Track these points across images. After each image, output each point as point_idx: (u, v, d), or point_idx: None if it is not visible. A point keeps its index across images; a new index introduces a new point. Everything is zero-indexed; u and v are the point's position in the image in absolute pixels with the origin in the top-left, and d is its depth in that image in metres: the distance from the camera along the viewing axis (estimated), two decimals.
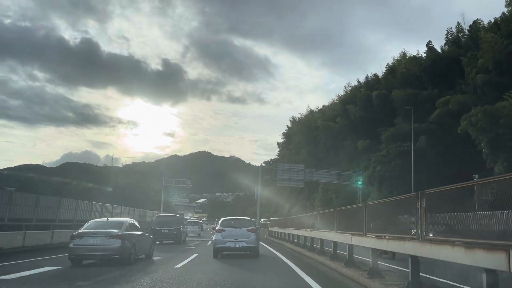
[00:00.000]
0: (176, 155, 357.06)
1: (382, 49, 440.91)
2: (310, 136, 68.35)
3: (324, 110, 71.67)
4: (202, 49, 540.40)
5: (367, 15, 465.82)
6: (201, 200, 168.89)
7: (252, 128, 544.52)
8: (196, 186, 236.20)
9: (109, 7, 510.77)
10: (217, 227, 17.89)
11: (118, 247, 12.92)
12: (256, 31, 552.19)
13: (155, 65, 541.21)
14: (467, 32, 49.89)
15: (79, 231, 13.67)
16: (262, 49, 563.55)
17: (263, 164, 47.58)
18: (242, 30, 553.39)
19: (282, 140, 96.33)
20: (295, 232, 23.53)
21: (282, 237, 30.53)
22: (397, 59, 59.04)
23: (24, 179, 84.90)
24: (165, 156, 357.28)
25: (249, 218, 20.36)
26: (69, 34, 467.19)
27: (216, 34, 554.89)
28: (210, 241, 24.29)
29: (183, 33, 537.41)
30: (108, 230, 13.41)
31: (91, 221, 15.27)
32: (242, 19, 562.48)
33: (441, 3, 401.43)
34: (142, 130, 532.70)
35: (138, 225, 15.74)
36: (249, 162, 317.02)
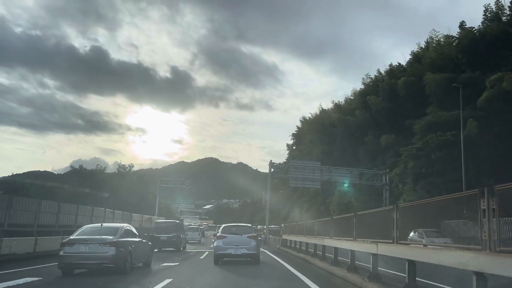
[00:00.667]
0: (183, 161, 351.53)
1: (391, 55, 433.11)
2: (324, 134, 60.82)
3: (339, 106, 64.06)
4: (211, 56, 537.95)
5: (375, 21, 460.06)
6: (207, 207, 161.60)
7: (260, 134, 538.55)
8: (203, 192, 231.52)
9: (118, 15, 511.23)
10: (218, 234, 18.00)
11: (112, 255, 12.03)
12: (264, 38, 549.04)
13: (163, 72, 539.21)
14: (508, 11, 42.57)
15: (71, 237, 12.78)
16: (270, 56, 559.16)
17: (273, 163, 39.00)
18: (250, 37, 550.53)
19: (291, 141, 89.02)
20: (337, 244, 14.80)
21: (303, 248, 22.92)
22: (422, 47, 51.74)
23: (29, 185, 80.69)
24: (173, 163, 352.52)
25: (250, 225, 20.39)
26: (79, 42, 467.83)
27: (224, 42, 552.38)
28: (206, 253, 22.99)
29: (191, 41, 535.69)
30: (101, 236, 12.49)
31: (84, 227, 14.13)
32: (250, 27, 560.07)
33: (448, 10, 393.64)
34: (151, 137, 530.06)
35: (135, 231, 14.81)
36: (257, 169, 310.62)
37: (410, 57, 53.49)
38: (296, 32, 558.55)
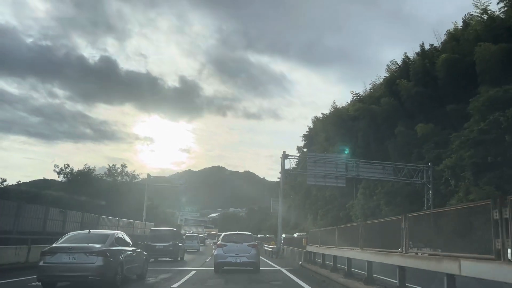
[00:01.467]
0: (190, 170, 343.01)
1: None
2: (343, 128, 52.18)
3: (360, 97, 55.43)
4: (219, 66, 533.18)
5: (384, 31, 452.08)
6: (213, 215, 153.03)
7: (267, 144, 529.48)
8: (209, 201, 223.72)
9: (128, 26, 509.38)
10: (218, 242, 17.97)
11: (99, 266, 10.40)
12: (272, 47, 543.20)
13: (172, 82, 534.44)
14: None
15: (53, 245, 11.12)
16: (278, 66, 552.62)
17: (287, 154, 30.53)
18: (258, 47, 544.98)
19: (303, 143, 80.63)
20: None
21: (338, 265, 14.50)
22: (457, 27, 43.41)
23: (34, 193, 75.60)
24: (179, 171, 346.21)
25: (250, 233, 20.17)
26: (89, 52, 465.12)
27: (232, 51, 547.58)
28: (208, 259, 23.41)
29: (200, 51, 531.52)
30: (88, 245, 10.84)
31: (69, 233, 12.42)
32: (259, 36, 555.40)
33: (458, 19, 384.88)
34: (159, 146, 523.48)
35: (128, 239, 13.10)
36: (264, 177, 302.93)
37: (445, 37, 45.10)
38: (304, 41, 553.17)
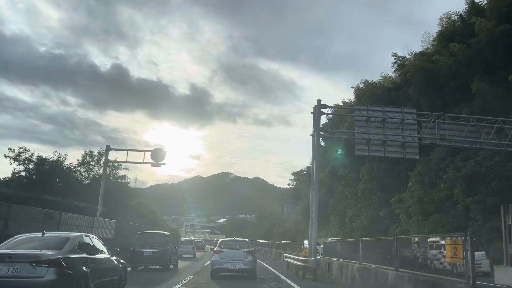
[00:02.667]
0: (199, 176, 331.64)
1: None
2: (382, 101, 38.91)
3: (403, 60, 41.77)
4: (229, 73, 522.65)
5: (395, 37, 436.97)
6: (221, 221, 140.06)
7: (277, 150, 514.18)
8: (217, 207, 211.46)
9: (139, 34, 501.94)
10: (215, 248, 17.67)
11: (50, 281, 7.39)
12: (282, 54, 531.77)
13: (182, 89, 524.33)
14: None
15: None
16: (288, 72, 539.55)
17: (324, 105, 16.85)
18: (269, 54, 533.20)
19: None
20: None
21: None
22: None
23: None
24: (188, 177, 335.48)
25: (247, 240, 20.22)
26: (101, 60, 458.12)
27: (243, 58, 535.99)
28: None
29: (210, 58, 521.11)
30: (36, 252, 7.77)
31: (17, 236, 9.12)
32: (269, 43, 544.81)
33: None
34: (169, 153, 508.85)
35: (101, 244, 10.27)
36: (273, 184, 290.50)
37: None
38: (315, 48, 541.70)
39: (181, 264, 25.26)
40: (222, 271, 16.42)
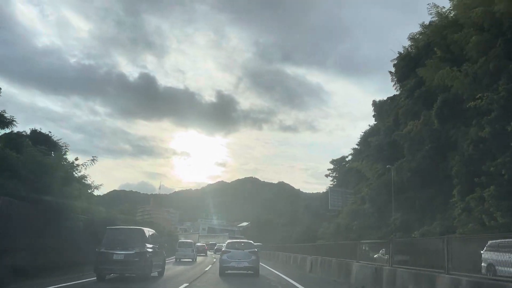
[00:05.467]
0: (222, 181, 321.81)
1: None
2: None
3: None
4: (255, 79, 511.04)
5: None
6: (243, 224, 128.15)
7: (303, 156, 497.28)
8: (241, 212, 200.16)
9: (166, 42, 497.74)
10: (223, 249, 19.41)
11: None
12: (309, 59, 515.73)
13: (208, 96, 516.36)
14: None
15: None
16: (314, 77, 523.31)
17: None
18: (295, 59, 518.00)
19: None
20: None
21: None
22: None
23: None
24: (212, 182, 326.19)
25: (251, 242, 20.97)
26: (129, 69, 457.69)
27: (269, 64, 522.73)
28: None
29: (236, 64, 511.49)
30: None
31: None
32: (295, 48, 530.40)
33: None
34: (195, 161, 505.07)
35: None
36: (299, 189, 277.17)
37: None
38: (342, 51, 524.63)
39: (174, 269, 21.68)
40: (229, 269, 17.91)
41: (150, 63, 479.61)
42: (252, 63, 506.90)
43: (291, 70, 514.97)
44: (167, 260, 21.38)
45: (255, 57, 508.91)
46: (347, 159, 74.14)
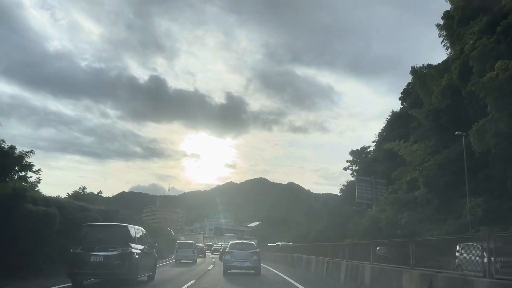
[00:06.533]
0: (231, 182, 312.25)
1: None
2: None
3: None
4: (265, 80, 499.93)
5: (437, 38, 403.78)
6: (253, 224, 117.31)
7: (313, 157, 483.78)
8: (250, 212, 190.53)
9: (176, 45, 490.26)
10: (226, 250, 20.50)
11: None
12: (319, 59, 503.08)
13: (218, 98, 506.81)
14: None
15: None
16: (325, 78, 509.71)
17: None
18: (305, 60, 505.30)
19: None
20: None
21: None
22: None
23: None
24: (221, 184, 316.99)
25: (253, 243, 22.55)
26: (139, 72, 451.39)
27: (279, 65, 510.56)
28: None
29: (246, 66, 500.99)
30: None
31: None
32: (306, 49, 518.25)
33: None
34: (205, 162, 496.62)
35: None
36: (309, 190, 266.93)
37: None
38: (353, 52, 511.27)
39: (168, 273, 20.10)
40: (233, 268, 18.81)
41: (160, 66, 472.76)
42: (261, 64, 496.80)
43: (301, 71, 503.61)
44: (166, 261, 20.71)
45: (265, 58, 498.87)
46: (369, 149, 64.53)
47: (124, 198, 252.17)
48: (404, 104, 58.23)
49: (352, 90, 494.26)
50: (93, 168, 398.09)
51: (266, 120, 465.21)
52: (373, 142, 62.19)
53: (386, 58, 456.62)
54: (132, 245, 12.75)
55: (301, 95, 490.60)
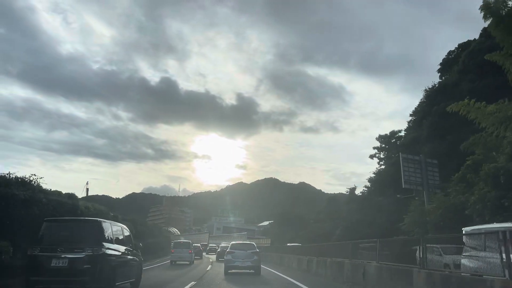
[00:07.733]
0: (241, 182, 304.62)
1: None
2: None
3: None
4: (276, 81, 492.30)
5: (452, 35, 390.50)
6: (264, 224, 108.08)
7: (324, 158, 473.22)
8: (261, 212, 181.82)
9: (187, 46, 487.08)
10: (227, 250, 20.53)
11: None
12: (330, 59, 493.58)
13: (229, 99, 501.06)
14: None
15: None
16: (336, 77, 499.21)
17: None
18: (316, 59, 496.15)
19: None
20: None
21: None
22: None
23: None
24: (231, 184, 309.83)
25: (254, 243, 22.44)
26: (150, 74, 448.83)
27: (289, 65, 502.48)
28: None
29: (257, 67, 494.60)
30: None
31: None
32: (317, 49, 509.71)
33: None
34: (216, 164, 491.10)
35: None
36: (320, 189, 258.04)
37: None
38: (364, 51, 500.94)
39: (158, 278, 16.80)
40: (234, 268, 19.30)
41: (171, 68, 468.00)
42: (272, 64, 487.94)
43: (312, 71, 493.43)
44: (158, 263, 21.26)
45: (275, 59, 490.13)
46: (400, 134, 55.02)
47: (135, 199, 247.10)
48: (443, 78, 48.82)
49: (364, 89, 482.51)
50: (105, 170, 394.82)
51: (276, 121, 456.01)
52: (407, 122, 52.41)
53: (399, 57, 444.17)
54: (107, 245, 10.49)
55: (312, 95, 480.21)
